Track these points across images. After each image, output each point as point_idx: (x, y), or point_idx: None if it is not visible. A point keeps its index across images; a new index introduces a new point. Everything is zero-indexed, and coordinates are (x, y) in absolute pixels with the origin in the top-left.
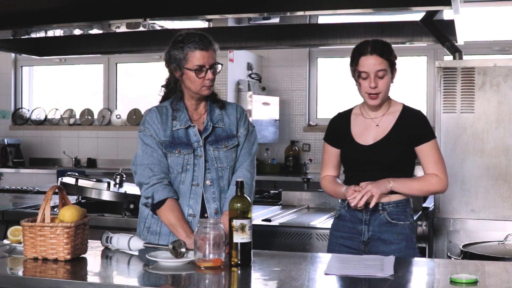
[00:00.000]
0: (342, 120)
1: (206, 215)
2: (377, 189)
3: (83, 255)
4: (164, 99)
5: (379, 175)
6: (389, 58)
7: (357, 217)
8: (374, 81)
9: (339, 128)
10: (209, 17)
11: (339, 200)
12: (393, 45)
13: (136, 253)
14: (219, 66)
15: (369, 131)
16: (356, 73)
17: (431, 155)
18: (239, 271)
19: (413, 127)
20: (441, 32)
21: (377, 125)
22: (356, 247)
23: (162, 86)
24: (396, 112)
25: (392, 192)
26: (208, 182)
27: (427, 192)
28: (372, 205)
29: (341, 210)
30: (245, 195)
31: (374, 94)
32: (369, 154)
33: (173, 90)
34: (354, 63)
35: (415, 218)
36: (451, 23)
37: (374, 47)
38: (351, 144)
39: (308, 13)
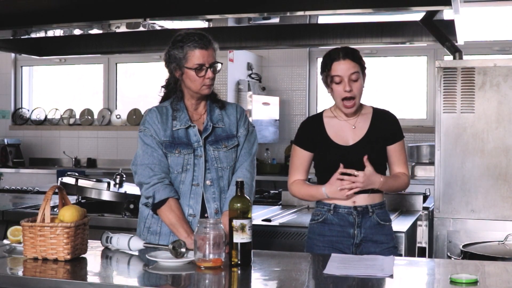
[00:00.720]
0: (315, 123)
1: (206, 215)
2: (366, 179)
3: (83, 255)
4: (164, 99)
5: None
6: (361, 61)
7: (347, 221)
8: (348, 85)
9: (312, 131)
10: (209, 17)
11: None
12: (393, 45)
13: (136, 253)
14: (219, 65)
15: (346, 132)
16: (329, 79)
17: (400, 154)
18: (239, 271)
19: (387, 127)
20: (441, 32)
21: (353, 126)
22: (347, 249)
23: (162, 86)
24: (369, 114)
25: (372, 192)
26: (208, 182)
27: (399, 189)
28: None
29: (326, 214)
30: (245, 195)
31: (349, 98)
32: (350, 154)
33: (173, 90)
34: (326, 69)
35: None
36: (451, 23)
37: (346, 52)
38: (329, 146)
39: (308, 13)
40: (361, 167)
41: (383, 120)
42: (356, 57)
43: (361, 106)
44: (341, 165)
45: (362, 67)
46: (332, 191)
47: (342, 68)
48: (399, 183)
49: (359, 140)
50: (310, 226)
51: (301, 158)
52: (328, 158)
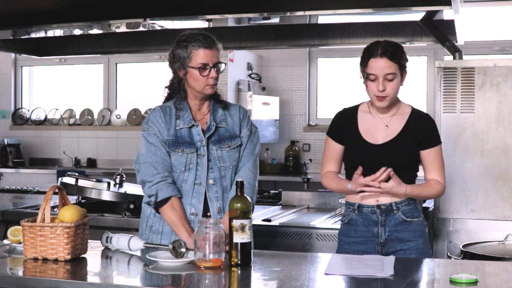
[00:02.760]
0: (348, 116)
1: (208, 214)
2: (390, 187)
3: (83, 255)
4: (167, 99)
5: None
6: (400, 61)
7: (371, 220)
8: (382, 85)
9: (345, 124)
10: (209, 17)
11: (341, 201)
12: None
13: (137, 253)
14: (223, 65)
15: (378, 130)
16: (365, 75)
17: (435, 161)
18: (239, 271)
19: (422, 131)
20: (441, 32)
21: (386, 126)
22: (372, 250)
23: (166, 87)
24: (406, 114)
25: None
26: (211, 181)
27: (429, 197)
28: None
29: (350, 214)
30: (245, 195)
31: (381, 96)
32: (378, 153)
33: (176, 90)
34: (363, 64)
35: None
36: (451, 23)
37: (385, 50)
38: (358, 142)
39: (308, 13)
40: (389, 167)
41: (419, 122)
42: (394, 56)
43: (398, 105)
44: (360, 168)
45: (401, 66)
46: (355, 188)
47: (377, 66)
48: (429, 192)
49: (390, 140)
50: (340, 227)
51: (332, 150)
52: (356, 154)
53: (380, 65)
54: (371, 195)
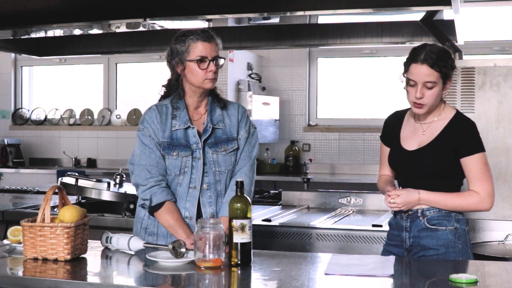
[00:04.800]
0: (396, 121)
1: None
2: (403, 203)
3: (83, 255)
4: (164, 98)
5: (421, 182)
6: (442, 69)
7: (400, 225)
8: (420, 92)
9: (391, 128)
10: (209, 17)
11: (341, 201)
12: (393, 45)
13: (135, 253)
14: (222, 59)
15: (415, 136)
16: (406, 79)
17: (474, 170)
18: (239, 271)
19: (460, 137)
20: (441, 32)
21: (423, 132)
22: (401, 254)
23: (163, 85)
24: (446, 119)
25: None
26: (205, 186)
27: (464, 209)
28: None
29: (390, 218)
30: (245, 195)
31: (419, 104)
32: (410, 159)
33: (174, 88)
34: (405, 68)
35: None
36: (451, 23)
37: (427, 56)
38: (396, 147)
39: (308, 13)
40: (423, 174)
41: (458, 129)
42: (437, 64)
43: (442, 109)
44: (390, 188)
45: (444, 75)
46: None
47: (417, 72)
48: (457, 202)
49: (423, 147)
50: None
51: (384, 153)
52: (392, 160)
53: (420, 71)
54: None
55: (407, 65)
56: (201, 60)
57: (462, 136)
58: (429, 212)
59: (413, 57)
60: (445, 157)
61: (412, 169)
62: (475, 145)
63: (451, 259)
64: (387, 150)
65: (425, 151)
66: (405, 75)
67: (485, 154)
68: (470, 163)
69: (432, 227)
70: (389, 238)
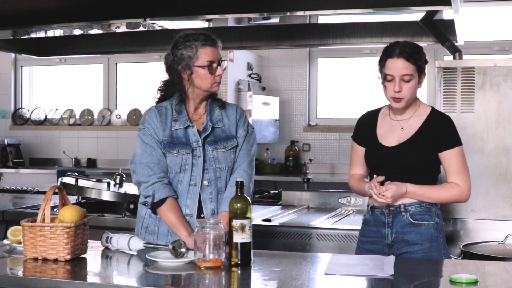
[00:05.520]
0: (370, 120)
1: (202, 216)
2: (393, 196)
3: (83, 255)
4: (160, 101)
5: (400, 178)
6: (417, 62)
7: (380, 221)
8: (398, 85)
9: (365, 127)
10: (209, 17)
11: (341, 201)
12: None
13: (136, 253)
14: (225, 62)
15: (393, 132)
16: (382, 75)
17: (454, 163)
18: (239, 271)
19: (438, 132)
20: (441, 32)
21: (402, 128)
22: (380, 250)
23: (159, 89)
24: (423, 116)
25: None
26: (205, 183)
27: (446, 201)
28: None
29: (366, 215)
30: (245, 195)
31: (397, 97)
32: (390, 155)
33: (170, 92)
34: (381, 65)
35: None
36: (451, 23)
37: (402, 50)
38: (374, 145)
39: (308, 13)
40: (402, 169)
41: (436, 124)
42: (412, 57)
43: (417, 106)
44: (379, 178)
45: (419, 68)
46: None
47: (394, 67)
48: (441, 194)
49: (402, 143)
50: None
51: (357, 153)
52: (371, 157)
53: (397, 65)
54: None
55: (383, 61)
56: (210, 65)
57: (441, 131)
58: (411, 207)
59: (389, 53)
60: (425, 152)
61: (391, 165)
62: (454, 139)
63: (451, 259)
64: (360, 149)
65: (405, 147)
66: (382, 71)
67: (463, 148)
68: (450, 157)
69: (416, 222)
70: (365, 235)
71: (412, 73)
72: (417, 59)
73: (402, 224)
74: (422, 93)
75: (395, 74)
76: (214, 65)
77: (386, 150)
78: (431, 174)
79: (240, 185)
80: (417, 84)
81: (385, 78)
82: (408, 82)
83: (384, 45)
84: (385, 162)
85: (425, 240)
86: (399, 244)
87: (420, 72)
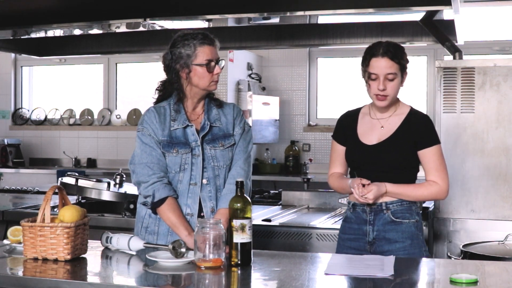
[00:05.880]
0: (350, 119)
1: (202, 214)
2: (375, 197)
3: (83, 255)
4: (158, 101)
5: (380, 176)
6: (400, 61)
7: (361, 218)
8: (383, 84)
9: (346, 126)
10: (209, 17)
11: (341, 201)
12: None
13: (135, 253)
14: (223, 61)
15: (374, 131)
16: (366, 74)
17: (432, 161)
18: (239, 271)
19: (418, 131)
20: (441, 32)
21: (382, 126)
22: (362, 248)
23: (157, 89)
24: (403, 115)
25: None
26: (204, 181)
27: (425, 199)
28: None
29: (347, 212)
30: (245, 195)
31: (382, 95)
32: (371, 154)
33: (168, 92)
34: (365, 64)
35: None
36: (451, 23)
37: (386, 50)
38: (355, 143)
39: (308, 13)
40: (383, 167)
41: (415, 122)
42: (396, 56)
43: (397, 105)
44: (363, 180)
45: (402, 67)
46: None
47: (378, 66)
48: (420, 192)
49: (383, 141)
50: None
51: (337, 151)
52: (352, 155)
53: (381, 64)
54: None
55: (367, 60)
56: (209, 63)
57: (421, 130)
58: (392, 206)
59: (373, 52)
60: (405, 150)
61: (372, 162)
62: (433, 137)
63: (451, 259)
64: (340, 148)
65: (385, 145)
66: (366, 70)
67: (441, 146)
68: (429, 155)
69: (397, 220)
70: (346, 232)
71: (396, 72)
72: (400, 58)
73: (384, 222)
74: (422, 93)
75: (380, 73)
76: (212, 63)
77: (367, 149)
78: (410, 172)
79: (240, 185)
80: (400, 83)
81: (369, 77)
82: (392, 80)
83: None
84: (366, 160)
85: (406, 237)
86: (381, 242)
87: (403, 71)
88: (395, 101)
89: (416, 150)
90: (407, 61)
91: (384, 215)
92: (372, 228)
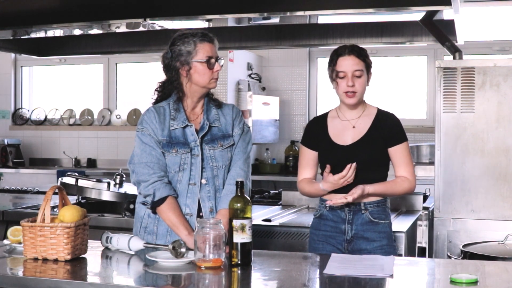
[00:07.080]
0: (319, 123)
1: (201, 214)
2: (357, 199)
3: (83, 255)
4: (158, 101)
5: (357, 175)
6: (366, 59)
7: (339, 217)
8: (351, 80)
9: (316, 131)
10: (209, 17)
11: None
12: (393, 45)
13: (135, 253)
14: (222, 60)
15: (346, 132)
16: (334, 73)
17: (402, 157)
18: (239, 271)
19: (388, 129)
20: (441, 32)
21: (353, 126)
22: (339, 245)
23: (156, 89)
24: (372, 115)
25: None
26: (203, 181)
27: (400, 194)
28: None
29: (322, 210)
30: (245, 195)
31: (351, 92)
32: (348, 154)
33: (168, 92)
34: (332, 64)
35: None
36: (451, 23)
37: (351, 49)
38: (329, 145)
39: (308, 13)
40: (359, 166)
41: (384, 121)
42: (361, 55)
43: (365, 106)
44: (328, 166)
45: (367, 65)
46: (327, 187)
47: (346, 64)
48: (395, 189)
49: (358, 140)
50: (312, 221)
51: (307, 157)
52: (327, 157)
53: (349, 62)
54: (340, 203)
55: (334, 60)
56: (209, 60)
57: (391, 128)
58: (370, 206)
59: (339, 52)
60: (378, 148)
61: (348, 162)
62: (402, 135)
63: (451, 259)
64: (310, 153)
65: (360, 144)
66: (333, 70)
67: (408, 143)
68: (399, 151)
69: (375, 220)
70: (321, 228)
71: (362, 69)
72: (365, 57)
73: (362, 222)
74: (422, 93)
75: (348, 70)
76: (212, 60)
77: (342, 149)
78: (383, 170)
79: (240, 185)
80: (366, 81)
81: (338, 76)
82: (359, 77)
83: (384, 45)
84: (342, 161)
85: (383, 237)
86: (359, 240)
87: (368, 70)
88: (362, 102)
89: (387, 147)
90: (371, 62)
91: (362, 215)
92: (350, 227)
